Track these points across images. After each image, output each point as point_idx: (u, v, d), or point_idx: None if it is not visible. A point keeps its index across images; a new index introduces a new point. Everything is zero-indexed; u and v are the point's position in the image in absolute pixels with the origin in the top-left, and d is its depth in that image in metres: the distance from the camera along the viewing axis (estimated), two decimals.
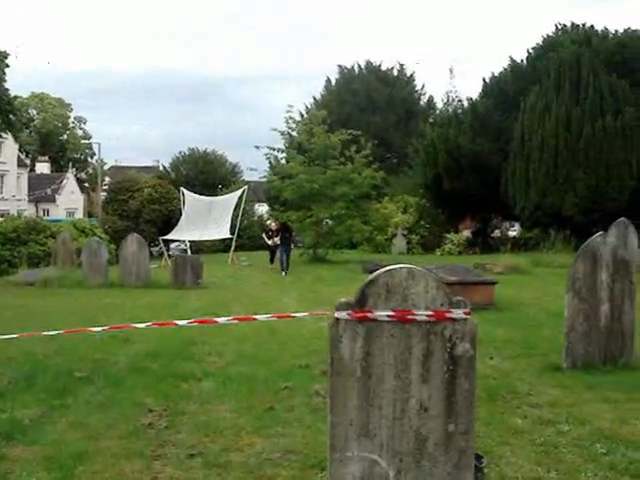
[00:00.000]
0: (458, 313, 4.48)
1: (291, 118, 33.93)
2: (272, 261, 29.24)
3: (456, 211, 39.24)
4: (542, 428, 6.58)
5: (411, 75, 56.32)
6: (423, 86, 58.93)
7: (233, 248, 33.74)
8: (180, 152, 67.72)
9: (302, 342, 10.76)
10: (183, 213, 35.21)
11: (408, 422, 4.61)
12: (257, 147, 33.46)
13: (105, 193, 57.07)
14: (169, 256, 32.28)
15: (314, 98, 53.87)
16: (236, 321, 7.36)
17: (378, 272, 4.46)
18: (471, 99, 39.57)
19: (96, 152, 80.00)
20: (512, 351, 10.23)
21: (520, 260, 25.17)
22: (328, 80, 54.69)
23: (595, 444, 6.08)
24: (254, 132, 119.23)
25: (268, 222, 32.52)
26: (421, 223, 39.05)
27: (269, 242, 29.53)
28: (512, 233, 43.66)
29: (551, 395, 7.78)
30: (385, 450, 4.62)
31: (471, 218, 41.64)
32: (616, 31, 36.33)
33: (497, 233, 44.12)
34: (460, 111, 40.30)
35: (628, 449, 5.96)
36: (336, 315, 4.44)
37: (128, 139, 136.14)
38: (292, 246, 28.78)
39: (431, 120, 46.31)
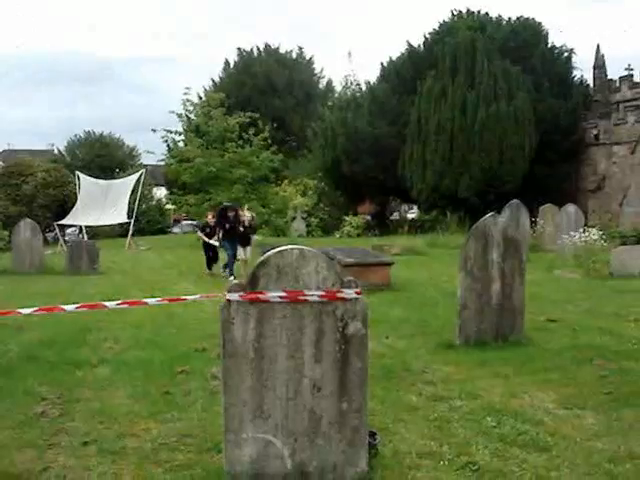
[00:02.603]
0: (349, 293, 4.54)
1: (188, 101, 33.57)
2: (210, 265, 19.74)
3: (355, 194, 39.59)
4: (435, 404, 6.73)
5: (310, 58, 56.38)
6: (322, 69, 59.08)
7: (131, 232, 33.19)
8: (76, 135, 66.10)
9: (200, 326, 10.69)
10: (78, 197, 34.39)
11: (302, 402, 4.66)
12: (154, 130, 32.94)
13: None
14: (65, 242, 31.51)
15: (213, 81, 53.27)
16: (126, 305, 7.23)
17: (269, 253, 4.48)
18: (369, 83, 39.92)
19: None
20: (407, 330, 10.42)
21: (417, 241, 25.62)
22: (227, 63, 54.17)
23: (486, 418, 6.27)
24: (152, 115, 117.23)
25: (208, 217, 20.73)
26: (320, 206, 39.25)
27: (212, 241, 19.55)
28: (411, 215, 44.37)
29: (445, 372, 7.97)
30: (280, 430, 4.66)
31: (370, 201, 42.08)
32: (509, 18, 37.26)
33: (396, 215, 44.75)
34: (358, 95, 40.64)
35: (517, 421, 6.17)
36: (227, 297, 4.44)
37: (21, 123, 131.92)
38: (253, 237, 19.42)
39: (330, 103, 46.48)
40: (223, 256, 19.39)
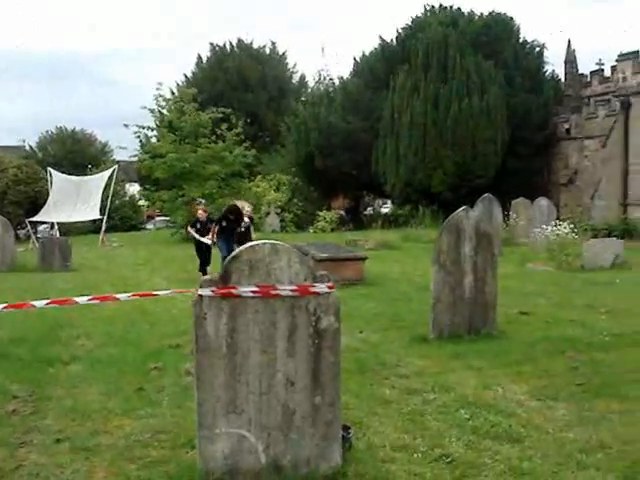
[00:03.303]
0: (322, 287, 4.55)
1: (161, 96, 33.34)
2: (204, 269, 17.27)
3: (329, 189, 39.63)
4: (409, 397, 6.77)
5: (283, 53, 56.24)
6: (295, 65, 59.05)
7: (104, 229, 32.96)
8: (47, 131, 65.57)
9: (173, 322, 10.68)
10: (50, 194, 34.10)
11: (275, 396, 4.66)
12: (126, 125, 32.70)
13: None
14: (37, 239, 31.25)
15: (185, 76, 53.03)
16: (97, 301, 7.19)
17: (241, 248, 4.48)
18: (342, 78, 39.95)
19: None
20: (381, 324, 10.47)
21: (390, 236, 25.68)
22: (199, 58, 53.94)
23: (459, 410, 6.32)
24: (125, 110, 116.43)
25: (199, 212, 18.72)
26: (294, 201, 39.19)
27: (205, 240, 17.48)
28: (385, 210, 44.40)
29: (418, 365, 8.02)
30: (253, 425, 4.67)
31: (344, 196, 42.12)
32: (481, 13, 37.40)
33: (370, 210, 44.80)
34: (331, 90, 40.62)
35: (490, 413, 6.23)
36: (200, 292, 4.43)
37: None
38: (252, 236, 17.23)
39: (303, 99, 46.45)
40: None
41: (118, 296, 7.29)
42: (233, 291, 4.43)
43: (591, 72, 37.28)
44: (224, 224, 17.00)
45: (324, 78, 44.08)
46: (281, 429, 4.70)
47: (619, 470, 5.01)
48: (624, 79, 28.41)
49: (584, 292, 13.72)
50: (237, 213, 17.43)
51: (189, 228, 18.75)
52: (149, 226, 50.17)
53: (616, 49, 62.50)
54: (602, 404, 6.49)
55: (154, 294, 9.20)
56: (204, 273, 16.56)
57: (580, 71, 37.71)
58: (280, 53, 56.12)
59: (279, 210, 37.96)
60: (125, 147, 35.76)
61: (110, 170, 34.72)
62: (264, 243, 4.49)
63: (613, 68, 33.05)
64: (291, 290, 4.49)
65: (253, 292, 4.44)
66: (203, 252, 17.49)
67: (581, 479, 4.91)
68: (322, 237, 29.02)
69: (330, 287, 4.57)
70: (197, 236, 17.63)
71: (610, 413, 6.26)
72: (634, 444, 5.49)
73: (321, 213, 37.10)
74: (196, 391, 4.64)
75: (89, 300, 6.59)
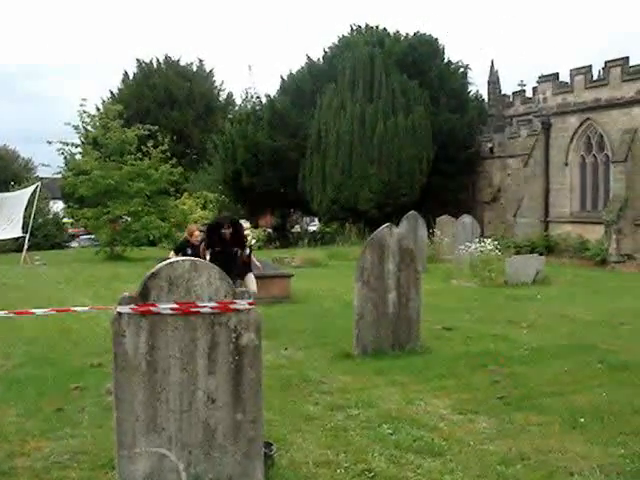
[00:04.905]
0: (242, 304, 4.54)
1: (85, 112, 32.84)
2: None
3: (256, 206, 39.51)
4: (333, 413, 6.80)
5: (210, 71, 56.08)
6: (222, 82, 58.87)
7: (26, 247, 32.23)
8: None
9: (96, 340, 10.47)
10: None
11: (196, 414, 4.63)
12: (49, 142, 32.10)
13: None
14: None
15: (111, 92, 52.40)
16: (12, 314, 7.05)
17: (160, 265, 4.44)
18: (269, 96, 39.98)
19: None
20: (306, 341, 10.48)
21: (317, 253, 25.75)
22: (126, 74, 53.38)
23: (382, 425, 6.38)
24: (49, 127, 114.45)
25: (194, 232, 14.11)
26: None
27: None
28: (312, 228, 44.53)
29: (342, 381, 8.06)
30: (174, 443, 4.63)
31: (271, 213, 42.10)
32: (407, 34, 37.91)
33: (297, 228, 44.86)
34: (259, 108, 40.60)
35: (413, 428, 6.30)
36: (118, 309, 4.37)
37: None
38: (256, 265, 13.44)
39: (230, 116, 46.34)
40: None
41: (35, 311, 7.17)
42: (152, 308, 4.39)
43: (513, 93, 38.26)
44: (217, 249, 11.56)
45: (251, 96, 44.06)
46: (202, 447, 4.66)
47: None
48: (545, 100, 29.08)
49: (506, 307, 13.99)
50: (235, 229, 11.81)
51: (172, 254, 13.34)
52: (73, 244, 49.27)
53: (538, 70, 64.16)
54: (522, 416, 6.63)
55: (72, 310, 9.05)
56: None
57: (503, 91, 38.62)
58: (207, 70, 55.99)
59: (205, 228, 37.71)
60: (48, 165, 35.03)
61: (33, 187, 34.00)
62: (184, 260, 4.47)
63: (534, 89, 33.84)
64: (211, 307, 4.47)
65: (173, 309, 4.41)
66: None
67: None
68: None
69: (251, 303, 4.57)
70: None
71: (529, 425, 6.39)
72: (552, 454, 5.62)
73: (248, 231, 36.89)
74: (115, 410, 4.57)
75: (6, 314, 6.45)
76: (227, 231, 11.55)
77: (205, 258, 11.15)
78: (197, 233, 13.73)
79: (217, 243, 11.51)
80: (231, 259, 11.37)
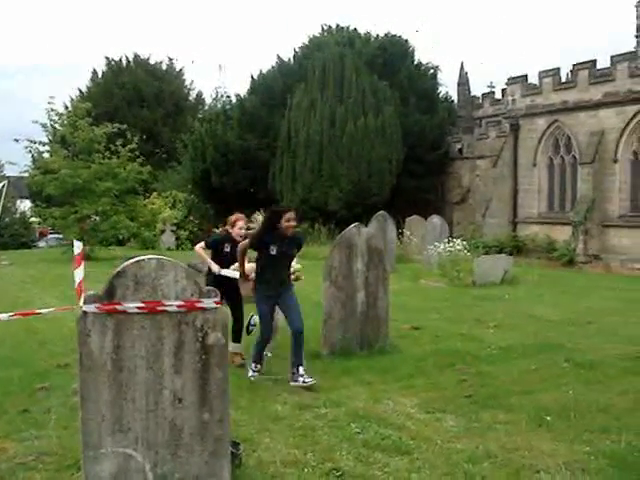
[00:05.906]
0: (209, 302, 4.52)
1: (53, 110, 32.54)
2: (239, 336, 9.59)
3: (225, 206, 39.36)
4: (301, 413, 6.81)
5: (180, 70, 55.79)
6: (192, 81, 58.54)
7: None
8: None
9: (63, 341, 10.38)
10: None
11: (162, 413, 4.61)
12: (16, 140, 31.77)
13: None
14: None
15: (80, 90, 51.93)
16: None
17: (126, 263, 4.41)
18: (239, 96, 39.87)
19: None
20: (273, 341, 10.38)
21: None
22: (95, 72, 52.95)
23: (350, 424, 6.40)
24: (17, 125, 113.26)
25: (238, 222, 9.93)
26: (190, 219, 38.85)
27: (229, 272, 9.30)
28: None
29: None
30: (140, 443, 4.60)
31: (241, 213, 41.95)
32: (377, 35, 38.03)
33: None
34: (228, 107, 40.48)
35: (380, 426, 6.32)
36: (84, 308, 4.34)
37: None
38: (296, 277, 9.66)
39: (200, 115, 46.18)
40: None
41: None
42: (118, 307, 4.35)
43: (483, 94, 38.47)
44: (273, 252, 8.28)
45: (221, 95, 43.97)
46: (169, 447, 4.63)
47: (503, 478, 5.16)
48: (513, 101, 29.31)
49: (474, 307, 14.07)
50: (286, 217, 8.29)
51: (199, 247, 9.76)
52: (41, 244, 48.82)
53: (506, 72, 64.50)
54: (489, 415, 6.67)
55: (37, 312, 8.95)
56: (238, 341, 9.59)
57: (472, 93, 38.82)
58: (177, 69, 55.73)
59: (175, 228, 37.56)
60: (15, 163, 34.65)
61: None
62: (150, 258, 4.44)
63: (503, 91, 34.05)
64: (177, 306, 4.45)
65: (139, 308, 4.38)
66: (233, 301, 9.45)
67: None
68: None
69: (217, 302, 4.55)
70: (213, 265, 9.41)
71: (496, 423, 6.43)
72: (518, 452, 5.67)
73: (217, 231, 36.78)
74: (81, 410, 4.53)
75: None
76: (289, 224, 8.22)
77: (243, 261, 8.66)
78: (241, 224, 9.84)
79: (276, 240, 8.20)
80: (287, 265, 8.67)
